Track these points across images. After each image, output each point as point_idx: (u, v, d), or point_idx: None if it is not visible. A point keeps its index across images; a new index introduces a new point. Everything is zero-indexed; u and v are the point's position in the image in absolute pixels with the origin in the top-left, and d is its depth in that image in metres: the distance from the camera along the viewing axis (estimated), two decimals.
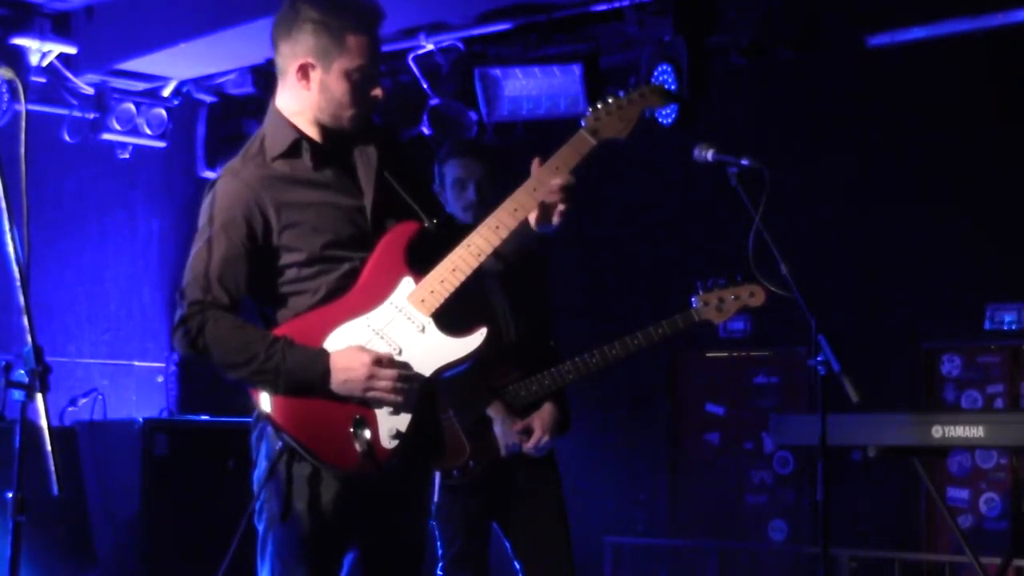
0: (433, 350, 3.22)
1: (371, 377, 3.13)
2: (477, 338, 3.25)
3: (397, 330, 3.21)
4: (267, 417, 3.16)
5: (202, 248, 3.21)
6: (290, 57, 3.24)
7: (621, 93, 3.37)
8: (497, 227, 3.25)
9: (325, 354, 3.15)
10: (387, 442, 3.16)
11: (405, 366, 3.18)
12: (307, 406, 3.15)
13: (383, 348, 3.19)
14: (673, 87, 6.00)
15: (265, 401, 3.17)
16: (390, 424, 3.16)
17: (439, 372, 3.24)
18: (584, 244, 8.23)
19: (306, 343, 3.17)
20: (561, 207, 3.26)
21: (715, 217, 7.05)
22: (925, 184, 7.31)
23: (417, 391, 3.19)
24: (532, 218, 3.27)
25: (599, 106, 3.36)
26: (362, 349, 3.16)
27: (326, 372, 3.13)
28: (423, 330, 3.22)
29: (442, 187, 4.68)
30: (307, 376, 3.13)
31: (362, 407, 3.16)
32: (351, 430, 3.13)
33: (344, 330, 3.20)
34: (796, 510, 7.90)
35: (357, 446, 3.12)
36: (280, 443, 3.15)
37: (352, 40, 3.18)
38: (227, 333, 3.15)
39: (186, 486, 6.38)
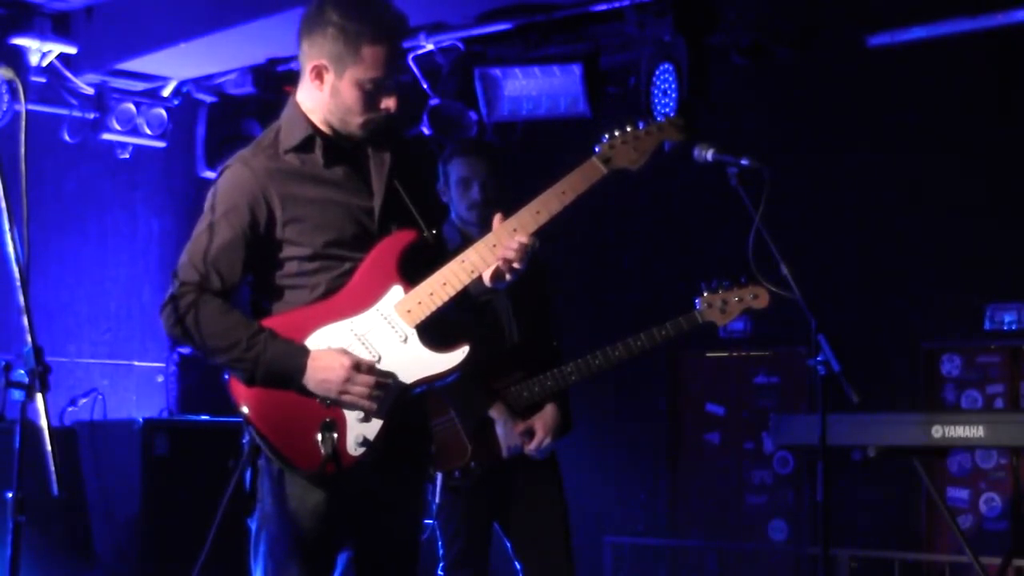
0: (413, 362, 3.21)
1: (347, 380, 3.13)
2: (458, 355, 3.23)
3: (379, 337, 3.21)
4: (239, 411, 3.18)
5: (203, 232, 3.23)
6: (308, 56, 3.26)
7: (640, 124, 3.35)
8: (494, 246, 3.24)
9: (305, 351, 3.16)
10: (353, 449, 3.16)
11: (383, 374, 3.18)
12: (279, 404, 3.17)
13: (363, 354, 3.19)
14: (673, 86, 6.00)
15: (241, 395, 3.18)
16: (358, 431, 3.16)
17: (415, 385, 3.23)
18: (586, 245, 8.23)
19: (288, 339, 3.18)
20: (516, 265, 3.22)
21: (715, 217, 7.05)
22: (925, 184, 7.31)
23: (391, 400, 3.18)
24: (487, 276, 3.24)
25: (615, 133, 3.34)
26: (343, 352, 3.16)
27: (303, 369, 3.14)
28: (405, 340, 3.22)
29: (446, 186, 4.67)
30: (285, 369, 3.14)
31: (333, 411, 3.16)
32: (318, 433, 3.13)
33: (327, 331, 3.20)
34: (796, 510, 7.89)
35: (322, 449, 3.12)
36: (247, 437, 3.17)
37: (367, 50, 3.18)
38: (213, 317, 3.17)
39: (186, 486, 6.36)
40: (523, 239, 3.20)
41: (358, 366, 3.14)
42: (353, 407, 3.16)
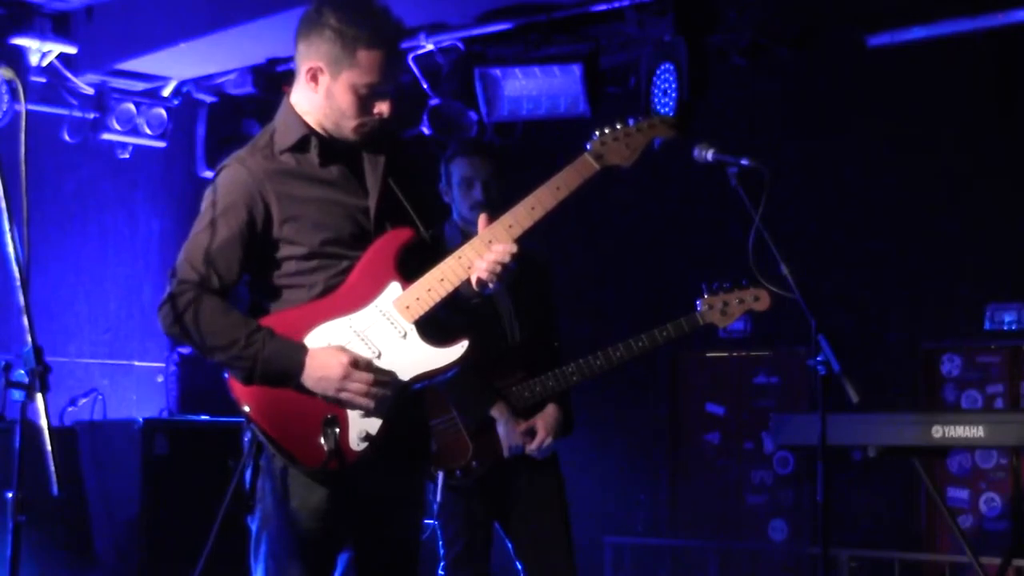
0: (412, 357, 3.22)
1: (345, 378, 3.14)
2: (458, 350, 3.24)
3: (378, 334, 3.22)
4: (241, 410, 3.18)
5: (201, 231, 3.24)
6: (304, 57, 3.27)
7: (631, 121, 3.36)
8: (490, 241, 3.25)
9: (304, 349, 3.17)
10: (356, 444, 3.17)
11: (382, 371, 3.18)
12: (281, 402, 3.17)
13: (363, 350, 3.20)
14: (673, 86, 6.00)
15: (242, 393, 3.18)
16: (360, 426, 3.17)
17: (415, 380, 3.23)
18: (587, 245, 8.23)
19: (286, 336, 3.18)
20: (498, 275, 3.22)
21: (716, 217, 7.05)
22: (925, 184, 7.31)
23: (391, 397, 3.19)
24: (473, 281, 3.24)
25: (606, 131, 3.35)
26: (341, 349, 3.17)
27: (302, 366, 3.15)
28: (405, 336, 3.23)
29: (448, 186, 4.68)
30: (283, 367, 3.15)
31: (335, 407, 3.17)
32: (321, 429, 3.14)
33: (325, 329, 3.21)
34: (796, 510, 7.89)
35: (324, 445, 3.13)
36: (248, 434, 3.18)
37: (363, 55, 3.19)
38: (211, 316, 3.18)
39: (186, 486, 6.37)
40: (500, 249, 3.21)
41: (356, 363, 3.15)
42: (352, 405, 3.16)
